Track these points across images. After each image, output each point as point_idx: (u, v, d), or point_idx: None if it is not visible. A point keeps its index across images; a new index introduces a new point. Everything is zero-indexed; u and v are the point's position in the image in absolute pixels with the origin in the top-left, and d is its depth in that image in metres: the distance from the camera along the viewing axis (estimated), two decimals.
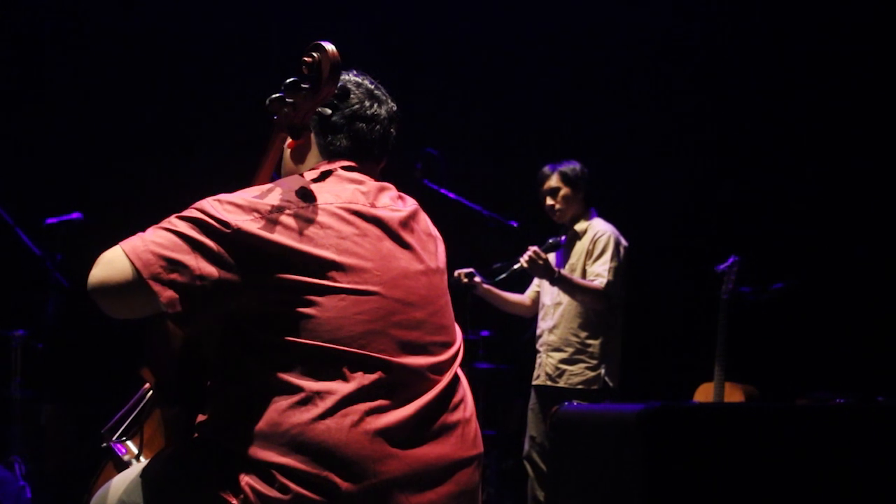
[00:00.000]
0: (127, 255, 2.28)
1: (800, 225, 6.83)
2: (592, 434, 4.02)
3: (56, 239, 6.17)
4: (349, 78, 2.67)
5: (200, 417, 2.46)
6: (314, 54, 2.46)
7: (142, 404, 3.00)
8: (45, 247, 6.22)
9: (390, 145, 2.71)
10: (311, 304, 2.33)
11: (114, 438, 3.00)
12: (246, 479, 2.27)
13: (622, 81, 7.60)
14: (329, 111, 2.58)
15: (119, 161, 7.22)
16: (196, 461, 2.38)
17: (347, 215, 2.44)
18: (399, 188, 2.66)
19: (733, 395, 5.86)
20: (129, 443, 2.99)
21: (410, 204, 2.65)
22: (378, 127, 2.66)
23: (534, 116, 7.72)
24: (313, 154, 2.65)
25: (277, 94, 2.48)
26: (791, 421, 3.95)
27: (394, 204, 2.58)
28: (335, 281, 2.35)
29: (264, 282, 2.32)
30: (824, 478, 3.80)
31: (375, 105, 2.66)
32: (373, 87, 2.69)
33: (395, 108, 2.71)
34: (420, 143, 6.25)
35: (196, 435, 2.46)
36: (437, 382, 2.45)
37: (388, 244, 2.48)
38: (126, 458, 2.95)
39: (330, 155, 2.62)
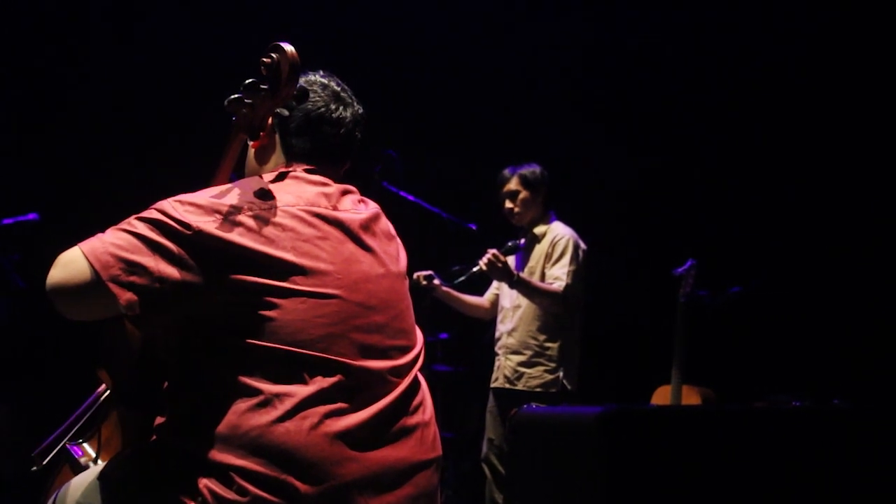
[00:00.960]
0: (86, 257, 2.26)
1: (757, 229, 6.86)
2: (551, 436, 4.02)
3: (12, 240, 6.12)
4: (315, 79, 2.66)
5: (159, 419, 2.44)
6: (273, 55, 2.45)
7: (97, 405, 2.97)
8: (1, 247, 6.16)
9: (355, 148, 2.70)
10: (271, 306, 2.32)
11: (69, 440, 2.97)
12: (204, 482, 2.26)
13: (581, 83, 7.61)
14: (288, 112, 2.57)
15: (76, 161, 7.17)
16: (154, 463, 2.37)
17: (309, 217, 2.43)
18: (358, 190, 2.66)
19: (690, 397, 5.88)
20: (85, 445, 2.96)
21: (372, 207, 2.64)
22: (343, 130, 2.65)
23: (492, 118, 7.72)
24: (277, 155, 2.64)
25: (236, 95, 2.47)
26: (748, 423, 3.97)
27: (355, 207, 2.57)
28: (296, 283, 2.35)
29: (224, 283, 2.30)
30: (781, 480, 3.82)
31: (341, 108, 2.65)
32: (339, 89, 2.68)
33: (360, 111, 2.71)
34: (379, 146, 6.24)
35: (154, 437, 2.45)
36: (396, 385, 2.45)
37: (350, 247, 2.48)
38: (83, 460, 2.92)
39: (292, 157, 2.61)
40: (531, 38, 7.71)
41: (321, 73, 2.69)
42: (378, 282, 2.50)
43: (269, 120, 2.58)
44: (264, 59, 2.46)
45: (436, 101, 7.77)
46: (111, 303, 2.26)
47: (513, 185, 5.82)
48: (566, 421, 4.01)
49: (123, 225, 2.33)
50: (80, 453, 2.95)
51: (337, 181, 2.61)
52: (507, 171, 5.86)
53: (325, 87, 2.66)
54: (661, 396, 5.97)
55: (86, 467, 2.87)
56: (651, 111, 7.40)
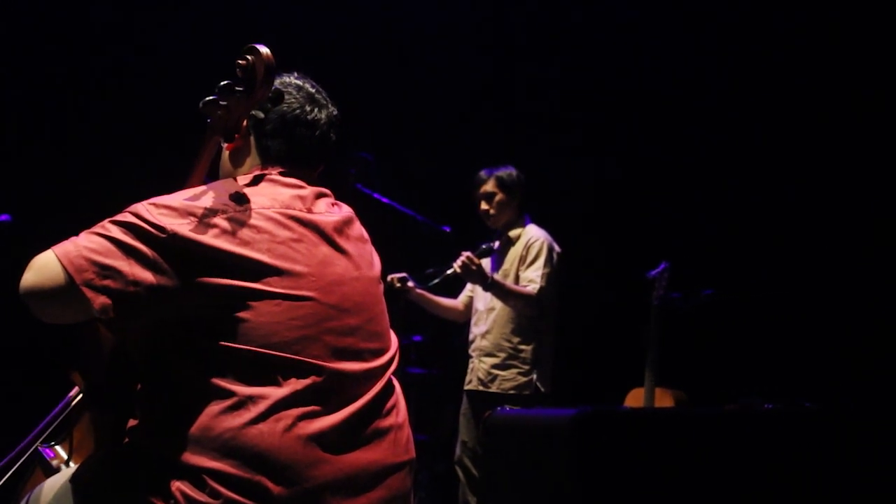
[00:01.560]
0: (60, 260, 2.25)
1: (730, 232, 6.88)
2: (525, 439, 4.03)
3: None
4: (289, 81, 2.65)
5: (131, 422, 2.44)
6: (248, 57, 2.45)
7: (70, 408, 2.96)
8: None
9: (330, 150, 2.69)
10: (245, 308, 2.31)
11: (42, 443, 2.96)
12: (177, 485, 2.25)
13: (554, 86, 7.62)
14: (263, 114, 2.57)
15: (49, 163, 7.12)
16: (126, 466, 2.36)
17: (284, 220, 2.43)
18: (333, 193, 2.65)
19: (663, 400, 5.90)
20: (57, 447, 2.95)
21: (345, 211, 2.64)
22: (318, 132, 2.64)
23: (467, 120, 7.72)
24: (251, 157, 2.63)
25: (211, 97, 2.46)
26: (721, 426, 3.99)
27: (329, 210, 2.57)
28: (271, 286, 2.34)
29: (199, 286, 2.29)
30: (753, 481, 3.84)
31: (316, 109, 2.64)
32: (313, 90, 2.68)
33: (335, 113, 2.70)
34: (353, 148, 6.23)
35: (127, 440, 2.44)
36: (370, 388, 2.45)
37: (325, 249, 2.48)
38: (55, 462, 2.91)
39: (267, 159, 2.60)
40: (505, 41, 7.72)
41: (295, 74, 2.69)
42: (352, 284, 2.50)
43: (244, 122, 2.57)
44: (239, 61, 2.45)
45: (410, 104, 7.77)
46: (85, 307, 2.25)
47: (489, 187, 5.83)
48: (540, 423, 4.03)
49: (97, 228, 2.32)
50: (53, 456, 2.94)
51: (312, 183, 2.60)
52: (483, 173, 5.86)
53: (299, 88, 2.65)
54: (635, 399, 5.99)
55: (58, 470, 2.86)
56: (623, 114, 7.41)
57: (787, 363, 6.36)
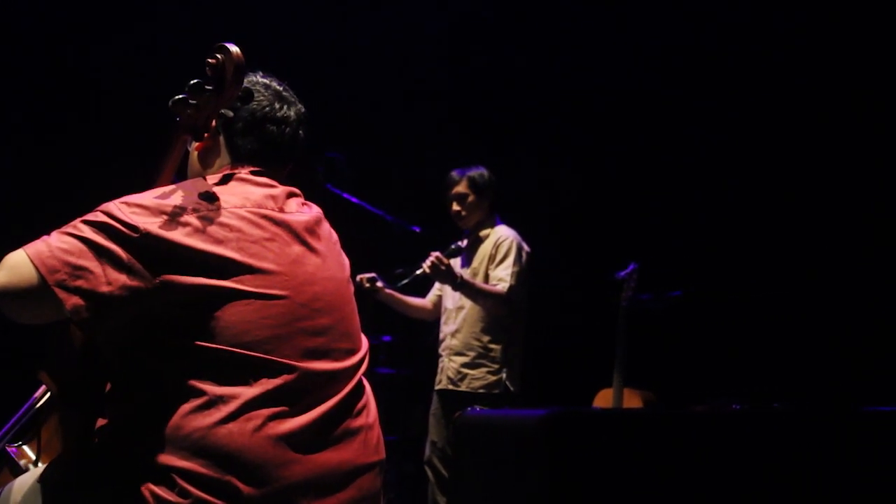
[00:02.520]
0: (32, 260, 2.24)
1: (699, 233, 6.91)
2: (495, 439, 4.04)
3: None
4: (256, 80, 2.65)
5: (101, 421, 2.43)
6: (218, 56, 2.44)
7: (37, 408, 2.94)
8: None
9: (299, 148, 2.70)
10: (217, 307, 2.31)
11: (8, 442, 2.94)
12: (146, 484, 2.24)
13: (522, 86, 7.63)
14: (232, 113, 2.56)
15: (19, 161, 7.08)
16: (95, 466, 2.35)
17: (256, 219, 2.43)
18: (302, 193, 2.65)
19: (632, 400, 5.92)
20: (25, 448, 2.93)
21: (315, 211, 2.64)
22: (287, 129, 2.64)
23: (436, 119, 7.72)
24: (221, 157, 2.62)
25: (181, 96, 2.45)
26: (689, 427, 4.00)
27: (300, 209, 2.57)
28: (243, 284, 2.34)
29: (171, 285, 2.28)
30: (720, 482, 3.85)
31: (285, 107, 2.65)
32: (281, 88, 2.68)
33: (303, 110, 2.70)
34: (323, 148, 6.22)
35: (96, 439, 2.43)
36: (341, 388, 2.45)
37: (297, 249, 2.48)
38: (22, 462, 2.89)
39: (238, 158, 2.60)
40: (478, 41, 7.72)
41: (260, 73, 2.68)
42: (324, 284, 2.50)
43: (214, 121, 2.56)
44: (209, 60, 2.44)
45: (380, 103, 7.76)
46: (57, 307, 2.23)
47: (461, 187, 5.83)
48: (510, 424, 4.03)
49: (69, 228, 2.31)
50: (20, 455, 2.92)
51: (282, 182, 2.60)
52: (455, 174, 5.86)
53: (267, 87, 2.65)
54: (603, 399, 6.01)
55: (25, 470, 2.84)
56: (593, 115, 7.43)
57: (756, 364, 6.39)
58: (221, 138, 2.61)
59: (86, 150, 7.03)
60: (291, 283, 2.42)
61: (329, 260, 2.57)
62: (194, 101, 2.44)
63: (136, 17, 7.28)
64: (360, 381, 2.54)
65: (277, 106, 2.63)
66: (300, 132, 2.68)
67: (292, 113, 2.66)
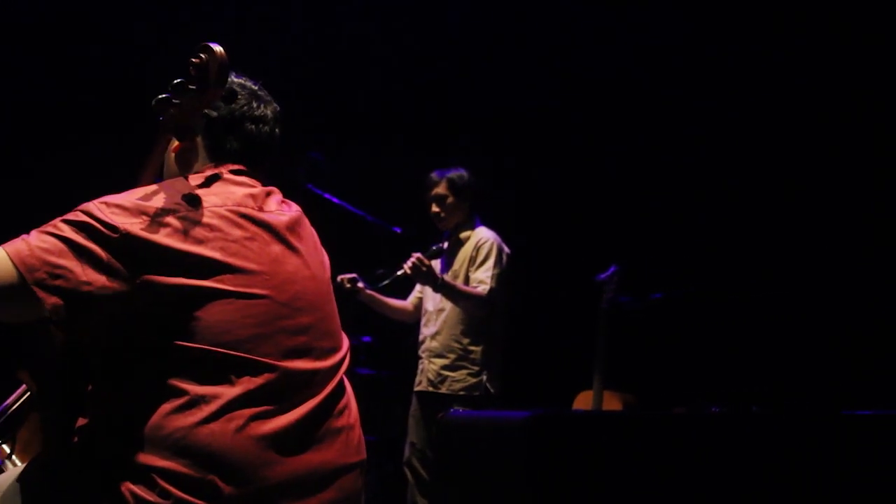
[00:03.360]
0: (11, 259, 2.23)
1: (680, 235, 6.92)
2: (478, 440, 4.04)
3: None
4: (232, 80, 2.64)
5: (81, 421, 2.42)
6: (202, 55, 2.44)
7: (17, 407, 2.93)
8: None
9: (277, 145, 2.71)
10: (198, 307, 2.30)
11: None
12: (126, 484, 2.24)
13: (502, 86, 7.63)
14: (216, 113, 2.57)
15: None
16: (76, 465, 2.35)
17: (236, 218, 2.42)
18: (283, 193, 2.66)
19: (611, 403, 5.92)
20: (4, 447, 2.92)
21: (294, 209, 2.64)
22: (265, 127, 2.65)
23: (418, 121, 7.72)
24: (201, 157, 2.62)
25: (164, 95, 2.45)
26: (669, 429, 4.02)
27: (280, 208, 2.57)
28: (224, 284, 2.34)
29: (151, 285, 2.28)
30: (700, 485, 3.86)
31: (262, 105, 2.66)
32: (256, 87, 2.69)
33: (278, 109, 2.72)
34: (304, 148, 6.22)
35: (76, 439, 2.42)
36: (322, 388, 2.45)
37: (277, 248, 2.47)
38: (1, 462, 2.88)
39: (219, 157, 2.60)
40: (459, 41, 7.71)
41: (234, 73, 2.68)
42: (305, 283, 2.50)
43: (196, 121, 2.56)
44: (192, 59, 2.44)
45: (361, 104, 7.76)
46: (36, 306, 2.22)
47: (440, 189, 5.83)
48: (493, 425, 4.04)
49: (48, 227, 2.30)
50: None
51: (262, 181, 2.61)
52: (435, 175, 5.87)
53: (242, 86, 2.66)
54: (583, 401, 6.01)
55: (2, 469, 2.83)
56: (574, 116, 7.43)
57: (735, 367, 6.41)
58: (202, 138, 2.61)
59: (67, 149, 7.01)
60: (272, 283, 2.42)
61: (310, 258, 2.57)
62: (177, 101, 2.44)
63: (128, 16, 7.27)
64: (341, 382, 2.53)
65: (255, 105, 2.64)
66: (276, 130, 2.70)
67: (269, 111, 2.67)
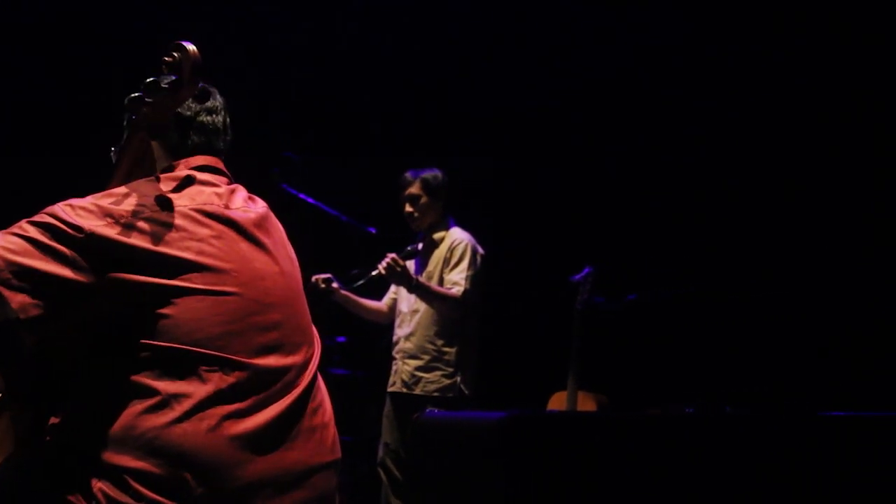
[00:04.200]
0: None
1: (654, 236, 6.93)
2: (453, 441, 4.04)
3: None
4: None
5: (53, 420, 2.41)
6: (175, 54, 2.44)
7: None
8: None
9: (230, 133, 2.73)
10: (168, 305, 2.30)
11: None
12: (98, 485, 2.24)
13: (481, 89, 7.63)
14: (189, 112, 2.56)
15: None
16: (47, 465, 2.34)
17: (202, 217, 2.43)
18: (256, 193, 2.65)
19: (586, 404, 5.92)
20: None
21: (261, 205, 2.65)
22: (219, 117, 2.69)
23: (392, 121, 7.71)
24: (169, 154, 2.62)
25: (136, 94, 2.44)
26: (643, 429, 4.02)
27: (246, 205, 2.58)
28: (192, 282, 2.34)
29: (119, 284, 2.28)
30: (674, 485, 3.87)
31: (211, 97, 2.68)
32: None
33: (222, 99, 2.74)
34: (278, 148, 6.20)
35: (48, 439, 2.41)
36: (295, 386, 2.45)
37: (245, 245, 2.48)
38: None
39: (183, 153, 2.61)
40: (433, 42, 7.71)
41: None
42: (274, 279, 2.51)
43: (169, 119, 2.56)
44: (166, 58, 2.44)
45: (336, 103, 7.74)
46: (2, 306, 2.23)
47: (414, 189, 5.82)
48: (468, 426, 4.04)
49: (14, 229, 2.30)
50: None
51: (226, 175, 2.62)
52: (408, 175, 5.86)
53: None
54: (558, 402, 6.01)
55: None
56: (548, 116, 7.43)
57: (709, 368, 6.42)
58: (169, 136, 2.61)
59: (42, 150, 6.98)
60: (241, 280, 2.42)
61: (278, 254, 2.57)
62: (150, 100, 2.43)
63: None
64: (314, 380, 2.53)
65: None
66: (227, 119, 2.72)
67: (218, 102, 2.71)
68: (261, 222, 2.57)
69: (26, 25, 7.21)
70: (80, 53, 7.18)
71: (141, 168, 2.69)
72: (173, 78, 2.43)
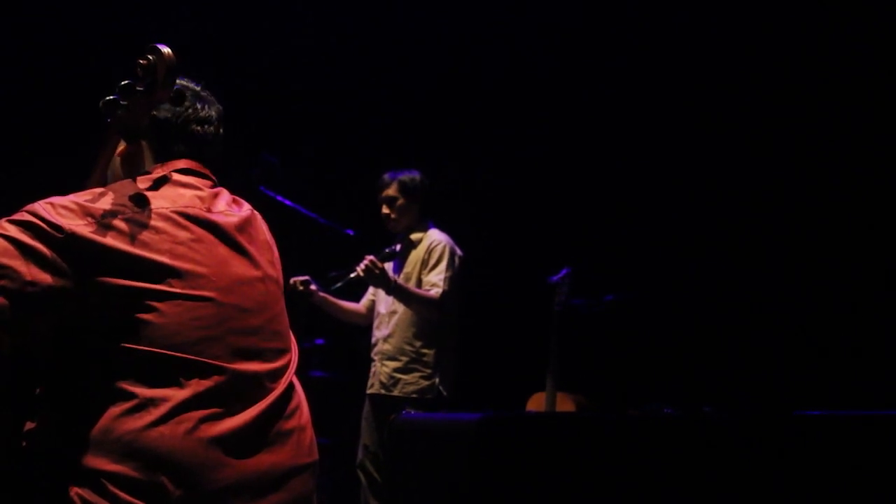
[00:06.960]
0: None
1: (632, 237, 6.94)
2: (430, 442, 4.05)
3: None
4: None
5: (29, 424, 2.40)
6: (150, 56, 2.43)
7: None
8: None
9: (221, 145, 2.71)
10: (146, 309, 2.29)
11: None
12: (75, 490, 2.22)
13: (457, 88, 7.62)
14: (164, 115, 2.56)
15: None
16: (24, 470, 2.33)
17: (182, 220, 2.42)
18: (235, 194, 2.65)
19: (564, 405, 5.93)
20: None
21: (246, 209, 2.64)
22: (210, 128, 2.66)
23: (371, 123, 7.71)
24: (148, 159, 2.61)
25: (111, 97, 2.43)
26: (622, 430, 4.03)
27: (229, 209, 2.57)
28: (171, 286, 2.33)
29: (98, 287, 2.27)
30: (652, 485, 3.88)
31: (206, 107, 2.66)
32: (199, 88, 2.69)
33: (221, 109, 2.72)
34: (257, 149, 6.19)
35: (24, 443, 2.40)
36: (272, 389, 2.45)
37: (224, 250, 2.47)
38: None
39: (165, 158, 2.59)
40: (409, 43, 7.71)
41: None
42: (253, 284, 2.50)
43: (144, 122, 2.55)
44: (140, 61, 2.43)
45: (315, 105, 7.74)
46: None
47: (391, 190, 5.83)
48: (444, 427, 4.04)
49: None
50: None
51: (210, 181, 2.61)
52: (386, 177, 5.86)
53: (186, 88, 2.65)
54: (536, 403, 6.02)
55: None
56: (525, 117, 7.44)
57: (688, 369, 6.43)
58: (149, 139, 2.61)
59: (18, 151, 6.95)
60: (219, 284, 2.41)
61: (260, 258, 2.56)
62: (125, 103, 2.43)
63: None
64: (291, 382, 2.53)
65: (199, 106, 2.64)
66: (220, 130, 2.70)
67: (213, 112, 2.68)
68: (243, 226, 2.56)
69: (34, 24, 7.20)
70: (65, 54, 7.15)
71: (129, 172, 2.67)
72: (148, 81, 2.42)
